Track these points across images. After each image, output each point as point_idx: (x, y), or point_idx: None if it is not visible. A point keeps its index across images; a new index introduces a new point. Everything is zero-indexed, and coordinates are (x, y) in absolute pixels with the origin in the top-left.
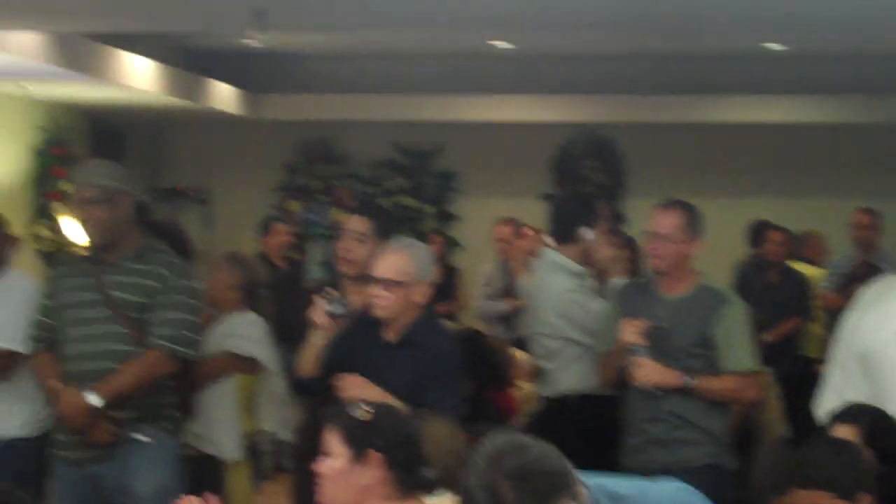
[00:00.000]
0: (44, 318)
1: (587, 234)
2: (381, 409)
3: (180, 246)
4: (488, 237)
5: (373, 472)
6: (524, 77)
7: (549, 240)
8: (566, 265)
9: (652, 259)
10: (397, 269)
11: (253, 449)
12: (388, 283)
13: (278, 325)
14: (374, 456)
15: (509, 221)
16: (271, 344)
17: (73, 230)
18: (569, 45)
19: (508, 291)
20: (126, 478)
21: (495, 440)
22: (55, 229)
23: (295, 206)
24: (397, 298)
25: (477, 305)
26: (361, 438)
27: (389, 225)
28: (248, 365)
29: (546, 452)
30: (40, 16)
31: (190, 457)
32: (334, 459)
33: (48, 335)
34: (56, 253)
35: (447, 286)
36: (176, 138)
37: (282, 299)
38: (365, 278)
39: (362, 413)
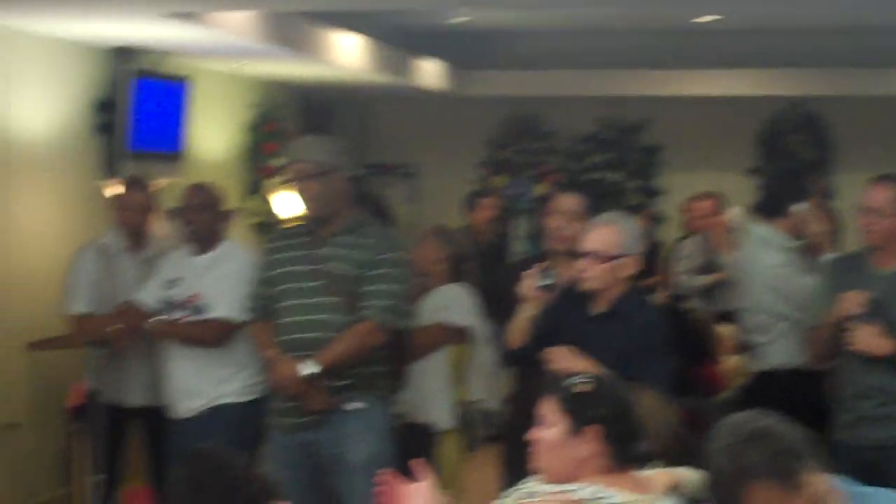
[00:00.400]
0: (260, 289)
1: (799, 208)
2: (600, 381)
3: (383, 219)
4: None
5: (590, 445)
6: (730, 51)
7: (737, 215)
8: (776, 240)
9: (865, 233)
10: (606, 242)
11: (462, 418)
12: (597, 257)
13: (484, 297)
14: (593, 429)
15: (709, 196)
16: (480, 315)
17: (285, 204)
18: (776, 18)
19: (709, 266)
20: (339, 445)
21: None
22: (267, 204)
23: (500, 181)
24: (605, 271)
25: (678, 280)
26: (581, 411)
27: (599, 201)
28: (459, 336)
29: (782, 422)
30: None
31: (401, 426)
32: (551, 429)
33: (264, 305)
34: (268, 226)
35: (651, 261)
36: (383, 114)
37: (487, 272)
38: (574, 253)
39: (582, 385)
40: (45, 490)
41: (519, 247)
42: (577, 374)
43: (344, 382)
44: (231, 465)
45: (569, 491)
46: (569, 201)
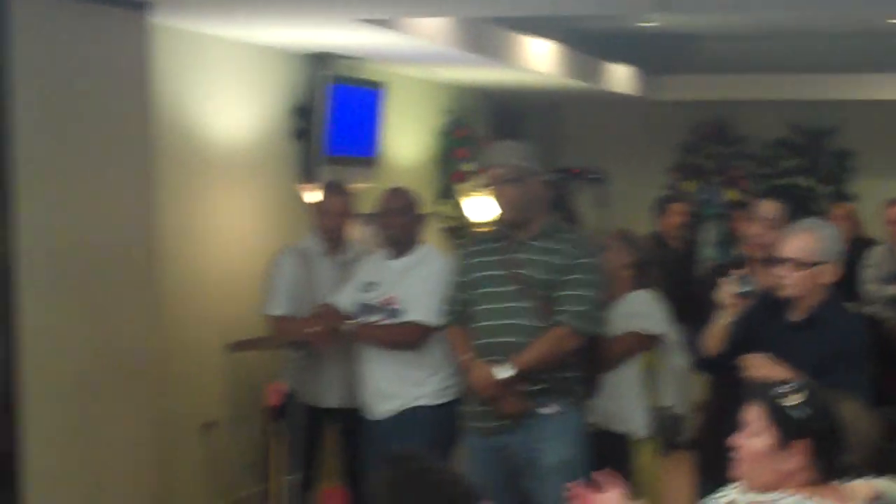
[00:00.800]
0: (456, 293)
1: None
2: (811, 393)
3: (573, 224)
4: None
5: (797, 459)
6: None
7: None
8: None
9: None
10: (805, 249)
11: (654, 425)
12: (796, 264)
13: (673, 302)
14: (802, 443)
15: None
16: (671, 321)
17: (476, 209)
18: None
19: None
20: (533, 449)
21: None
22: (458, 208)
23: (689, 186)
24: (804, 278)
25: (867, 288)
26: (791, 424)
27: (799, 207)
28: (651, 343)
29: None
30: (451, 2)
31: (595, 433)
32: (757, 439)
33: (460, 309)
34: (460, 231)
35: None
36: (573, 119)
37: (675, 278)
38: (772, 260)
39: (793, 397)
40: (242, 488)
41: (708, 252)
42: (784, 383)
43: (539, 387)
44: (435, 468)
45: (772, 501)
46: (768, 207)
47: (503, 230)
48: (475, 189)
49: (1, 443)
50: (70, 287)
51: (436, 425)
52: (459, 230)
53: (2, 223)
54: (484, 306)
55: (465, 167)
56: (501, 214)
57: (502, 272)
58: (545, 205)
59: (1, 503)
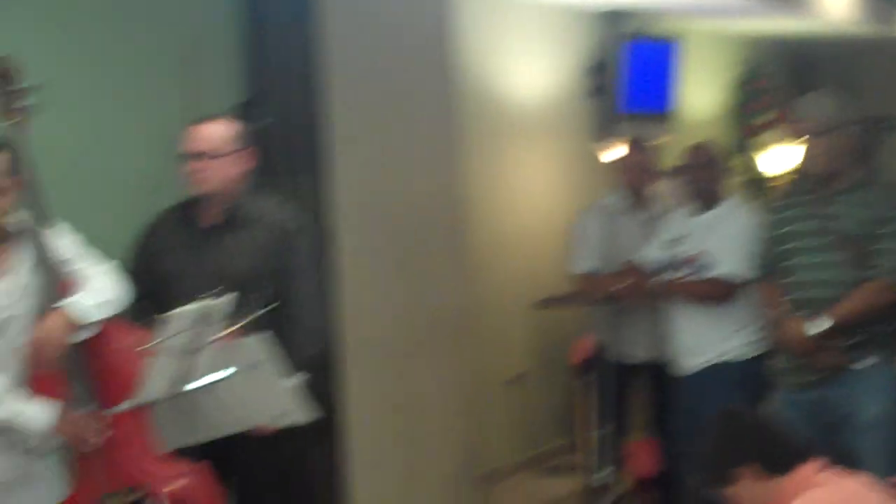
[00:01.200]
0: (766, 247)
1: None
2: None
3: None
4: None
5: None
6: None
7: None
8: None
9: None
10: None
11: None
12: None
13: None
14: None
15: None
16: None
17: (774, 161)
18: None
19: None
20: (849, 404)
21: None
22: (755, 161)
23: None
24: None
25: None
26: None
27: None
28: None
29: None
30: None
31: None
32: None
33: (771, 264)
34: (756, 184)
35: None
36: (869, 66)
37: None
38: None
39: None
40: (549, 441)
41: None
42: None
43: (854, 340)
44: (767, 423)
45: None
46: None
47: (813, 182)
48: (776, 141)
49: (326, 400)
50: (385, 248)
51: (744, 380)
52: (758, 183)
53: (324, 189)
54: (796, 260)
55: (762, 119)
56: (813, 166)
57: (814, 225)
58: (855, 156)
59: (328, 457)
